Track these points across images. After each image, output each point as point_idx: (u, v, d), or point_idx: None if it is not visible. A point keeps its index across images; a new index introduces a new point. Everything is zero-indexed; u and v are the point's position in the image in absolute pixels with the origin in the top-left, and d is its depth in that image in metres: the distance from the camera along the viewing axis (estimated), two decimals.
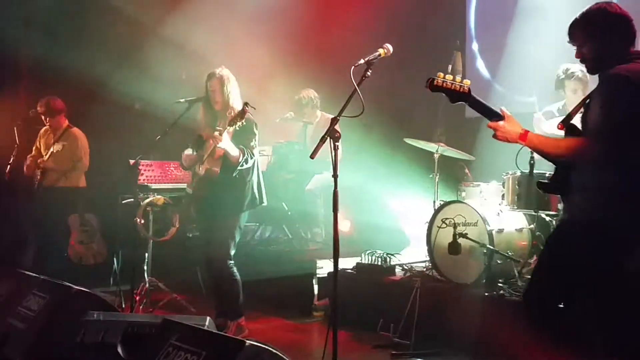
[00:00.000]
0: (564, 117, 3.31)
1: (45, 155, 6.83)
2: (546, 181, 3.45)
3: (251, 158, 4.81)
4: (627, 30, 3.14)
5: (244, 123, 4.59)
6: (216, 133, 4.55)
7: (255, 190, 4.99)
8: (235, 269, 4.95)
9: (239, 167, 4.74)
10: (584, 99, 3.27)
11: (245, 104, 4.62)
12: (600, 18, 3.14)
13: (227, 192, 4.86)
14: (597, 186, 3.01)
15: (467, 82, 3.24)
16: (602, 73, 3.10)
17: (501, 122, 3.24)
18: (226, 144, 4.58)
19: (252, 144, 4.82)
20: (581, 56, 3.20)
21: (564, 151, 3.12)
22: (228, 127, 4.56)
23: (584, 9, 3.22)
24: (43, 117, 6.85)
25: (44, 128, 7.01)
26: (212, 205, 4.90)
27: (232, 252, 4.93)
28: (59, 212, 6.77)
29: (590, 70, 3.24)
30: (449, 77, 3.22)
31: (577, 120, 3.27)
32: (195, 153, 4.94)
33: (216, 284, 5.07)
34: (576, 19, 3.22)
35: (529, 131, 3.20)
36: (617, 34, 3.13)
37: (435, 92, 3.28)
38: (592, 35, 3.14)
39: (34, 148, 7.04)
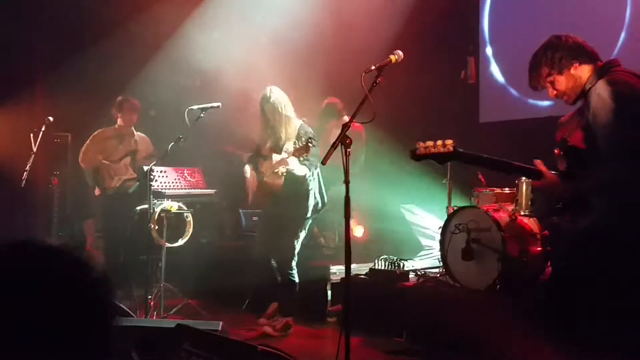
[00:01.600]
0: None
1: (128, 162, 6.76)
2: (560, 206, 3.41)
3: (315, 171, 5.26)
4: (590, 52, 3.20)
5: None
6: (284, 156, 5.08)
7: (317, 196, 5.39)
8: (295, 273, 5.38)
9: (305, 182, 5.21)
10: (576, 119, 3.27)
11: (309, 139, 4.98)
12: (565, 48, 3.19)
13: (292, 203, 5.28)
14: (616, 196, 3.00)
15: (449, 141, 3.24)
16: (590, 91, 3.09)
17: (542, 183, 3.21)
18: (294, 166, 5.05)
19: (316, 162, 5.18)
20: (556, 93, 3.22)
21: (599, 184, 3.10)
22: (292, 155, 5.03)
23: (543, 45, 3.26)
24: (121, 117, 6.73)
25: (105, 130, 6.85)
26: (279, 215, 5.33)
27: (297, 252, 5.38)
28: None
29: (572, 101, 3.25)
30: (430, 142, 3.23)
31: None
32: (254, 169, 5.45)
33: (277, 284, 5.45)
34: (540, 55, 3.25)
35: (569, 185, 3.20)
36: (585, 58, 3.14)
37: (421, 161, 3.29)
38: (563, 66, 3.17)
39: (100, 157, 6.77)
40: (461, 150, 3.25)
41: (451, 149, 3.21)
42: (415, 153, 3.24)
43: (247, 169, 5.50)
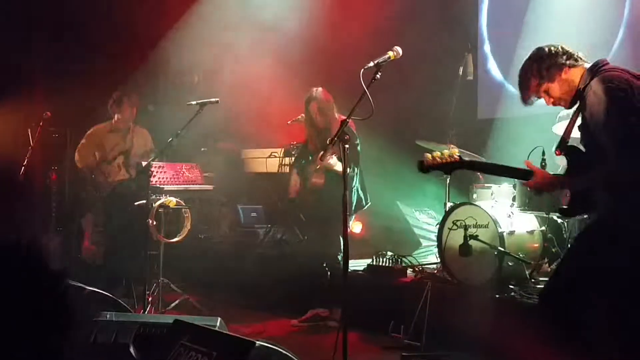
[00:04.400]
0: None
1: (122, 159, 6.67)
2: (565, 207, 3.42)
3: (357, 167, 5.42)
4: (574, 54, 3.26)
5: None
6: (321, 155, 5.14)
7: (361, 193, 5.56)
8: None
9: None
10: (573, 119, 3.30)
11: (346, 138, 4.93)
12: (550, 56, 3.26)
13: (334, 200, 5.18)
14: (619, 190, 3.02)
15: (454, 151, 3.29)
16: (585, 92, 3.13)
17: (533, 181, 3.22)
18: (333, 163, 5.23)
19: (356, 158, 5.38)
20: (552, 100, 3.26)
21: (599, 180, 3.12)
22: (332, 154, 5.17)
23: (527, 59, 3.33)
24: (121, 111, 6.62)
25: (100, 127, 6.78)
26: (322, 212, 5.44)
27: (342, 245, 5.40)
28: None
29: (569, 105, 3.30)
30: (437, 154, 3.27)
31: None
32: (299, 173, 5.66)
33: (328, 278, 5.51)
34: (527, 69, 3.31)
35: (565, 178, 3.23)
36: (572, 61, 3.22)
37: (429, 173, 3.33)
38: (553, 74, 3.23)
39: (96, 155, 6.70)
40: (466, 159, 3.31)
41: (457, 158, 3.27)
42: (423, 165, 3.28)
43: (294, 177, 5.70)
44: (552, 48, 3.28)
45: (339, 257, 5.43)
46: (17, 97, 7.81)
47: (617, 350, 3.08)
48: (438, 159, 3.27)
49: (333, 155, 5.20)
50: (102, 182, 6.62)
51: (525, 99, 3.34)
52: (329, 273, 5.54)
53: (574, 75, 3.24)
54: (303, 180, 5.57)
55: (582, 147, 3.27)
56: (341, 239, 5.33)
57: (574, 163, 3.28)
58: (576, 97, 3.24)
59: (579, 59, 3.27)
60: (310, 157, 5.54)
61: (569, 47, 3.31)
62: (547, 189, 3.29)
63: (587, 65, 3.25)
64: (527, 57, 3.37)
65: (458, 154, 3.29)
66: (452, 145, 5.64)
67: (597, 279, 3.08)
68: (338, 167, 5.24)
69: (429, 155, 3.30)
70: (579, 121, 3.27)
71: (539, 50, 3.32)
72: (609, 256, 3.03)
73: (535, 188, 3.27)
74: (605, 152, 3.02)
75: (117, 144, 6.68)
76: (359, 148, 5.40)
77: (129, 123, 6.74)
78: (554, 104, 3.32)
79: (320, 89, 5.58)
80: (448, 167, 3.31)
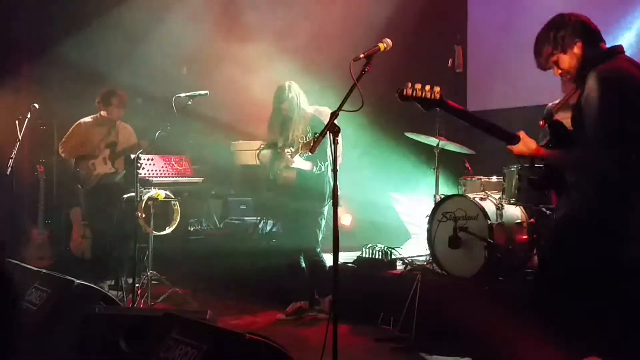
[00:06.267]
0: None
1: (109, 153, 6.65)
2: (536, 177, 3.44)
3: (323, 163, 5.32)
4: (594, 30, 3.19)
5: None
6: (288, 155, 5.22)
7: (332, 183, 5.31)
8: (323, 255, 5.47)
9: (314, 173, 5.32)
10: (567, 97, 3.28)
11: (315, 135, 4.94)
12: (569, 27, 3.16)
13: (307, 192, 5.36)
14: (596, 183, 3.02)
15: (437, 88, 3.20)
16: (588, 75, 3.09)
17: (517, 146, 3.21)
18: (298, 164, 5.26)
19: (324, 154, 5.25)
20: (560, 71, 3.22)
21: (572, 162, 3.12)
22: (300, 151, 5.20)
23: (547, 24, 3.24)
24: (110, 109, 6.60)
25: (87, 121, 6.72)
26: (296, 205, 5.37)
27: (320, 238, 5.47)
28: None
29: (576, 80, 3.24)
30: (418, 85, 3.18)
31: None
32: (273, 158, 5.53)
33: (309, 270, 5.55)
34: (543, 34, 3.23)
35: (541, 147, 3.21)
36: (588, 37, 3.15)
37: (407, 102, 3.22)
38: (566, 45, 3.16)
39: (81, 147, 6.63)
40: (447, 100, 3.21)
41: (438, 96, 3.17)
42: (402, 93, 3.19)
43: (265, 152, 5.63)
44: (573, 18, 3.19)
45: (318, 250, 5.47)
46: (4, 88, 7.74)
47: (602, 341, 3.11)
48: (418, 91, 3.17)
49: (298, 154, 5.20)
50: (86, 175, 6.57)
51: (539, 65, 3.28)
52: (302, 265, 5.57)
53: (585, 52, 3.16)
54: (273, 175, 5.50)
55: (569, 125, 3.25)
56: (318, 232, 5.43)
57: (556, 137, 3.26)
58: (582, 75, 3.16)
59: (596, 36, 3.18)
60: (278, 152, 5.45)
61: (591, 21, 3.21)
62: (529, 155, 3.26)
63: (604, 47, 3.19)
64: (546, 22, 3.26)
65: (440, 92, 3.21)
66: (442, 138, 5.66)
67: (578, 270, 3.10)
68: (303, 165, 5.26)
69: (410, 84, 3.20)
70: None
71: (560, 17, 3.22)
72: (586, 247, 3.04)
73: (518, 153, 3.26)
74: (591, 140, 3.01)
75: (103, 138, 6.63)
76: (326, 140, 5.36)
77: (115, 120, 6.69)
78: (561, 75, 3.26)
79: (293, 83, 5.45)
80: (426, 102, 3.20)
